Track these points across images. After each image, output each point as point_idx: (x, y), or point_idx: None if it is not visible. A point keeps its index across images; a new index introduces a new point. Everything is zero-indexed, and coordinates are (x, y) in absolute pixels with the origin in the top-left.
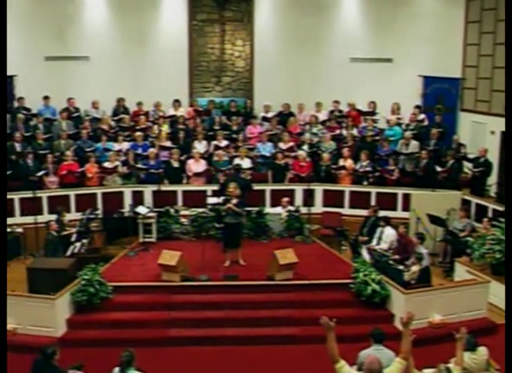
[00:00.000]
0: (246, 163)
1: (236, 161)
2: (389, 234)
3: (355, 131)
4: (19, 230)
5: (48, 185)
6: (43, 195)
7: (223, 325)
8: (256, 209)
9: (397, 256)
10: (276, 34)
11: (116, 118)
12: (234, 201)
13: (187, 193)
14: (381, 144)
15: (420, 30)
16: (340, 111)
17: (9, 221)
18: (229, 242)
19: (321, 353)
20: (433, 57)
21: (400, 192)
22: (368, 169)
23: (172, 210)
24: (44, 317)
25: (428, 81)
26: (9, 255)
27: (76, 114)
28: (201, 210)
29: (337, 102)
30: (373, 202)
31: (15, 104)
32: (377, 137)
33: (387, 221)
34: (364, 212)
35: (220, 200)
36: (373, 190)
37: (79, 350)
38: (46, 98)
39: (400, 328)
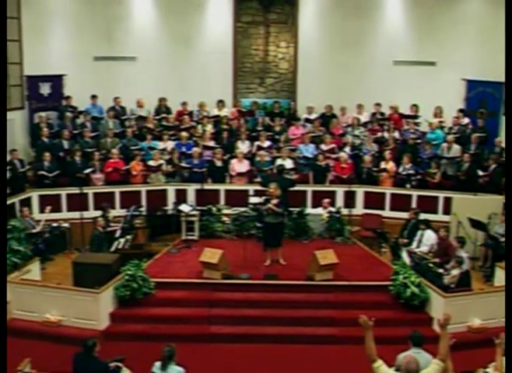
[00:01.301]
0: (288, 164)
1: (279, 161)
2: (429, 237)
3: (396, 134)
4: (66, 225)
5: (94, 182)
6: (90, 191)
7: (263, 324)
8: (297, 209)
9: (437, 260)
10: (320, 36)
11: (158, 117)
12: (275, 201)
13: (229, 192)
14: (423, 148)
15: (464, 33)
16: (382, 114)
17: (56, 216)
18: (269, 242)
19: (359, 353)
20: (477, 61)
21: (441, 195)
22: (410, 171)
23: (214, 209)
24: (88, 310)
25: (471, 84)
26: (55, 249)
27: (122, 114)
28: (243, 209)
29: (379, 104)
30: (413, 205)
31: (64, 103)
32: (419, 141)
33: (428, 224)
34: (405, 215)
35: (261, 199)
36: (414, 193)
37: (121, 344)
38: (93, 97)
39: (438, 331)
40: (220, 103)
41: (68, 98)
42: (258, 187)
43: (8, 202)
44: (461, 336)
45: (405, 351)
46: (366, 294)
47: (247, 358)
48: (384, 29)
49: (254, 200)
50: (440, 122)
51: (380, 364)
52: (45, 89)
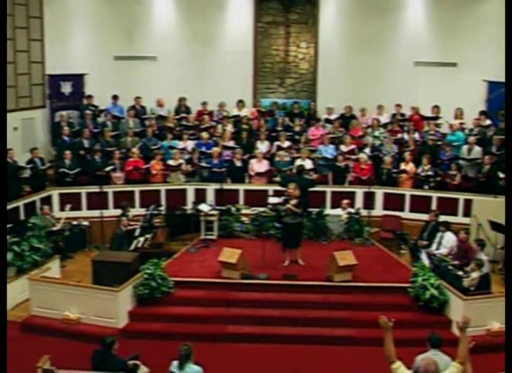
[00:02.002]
0: (307, 164)
1: (298, 162)
2: (449, 239)
3: (416, 135)
4: (85, 223)
5: (114, 180)
6: (110, 190)
7: (281, 324)
8: (316, 210)
9: (456, 262)
10: (340, 37)
11: (177, 117)
12: (293, 202)
13: (248, 192)
14: (443, 149)
15: (485, 34)
16: (402, 115)
17: (76, 214)
18: (287, 242)
19: (377, 354)
20: (498, 62)
21: (461, 197)
22: (430, 173)
23: (233, 209)
24: (107, 308)
25: (492, 86)
26: (75, 247)
27: (142, 113)
28: (262, 209)
29: (399, 105)
30: (433, 206)
31: (84, 102)
32: (439, 142)
33: (448, 226)
34: (424, 216)
35: (281, 200)
36: (434, 195)
37: (140, 342)
38: (115, 97)
39: (457, 334)
40: (240, 103)
41: (89, 97)
42: (277, 187)
43: (29, 200)
44: (480, 340)
45: (423, 353)
46: (385, 296)
47: (264, 358)
48: (404, 30)
49: (273, 200)
50: (461, 124)
51: (398, 365)
52: (66, 88)
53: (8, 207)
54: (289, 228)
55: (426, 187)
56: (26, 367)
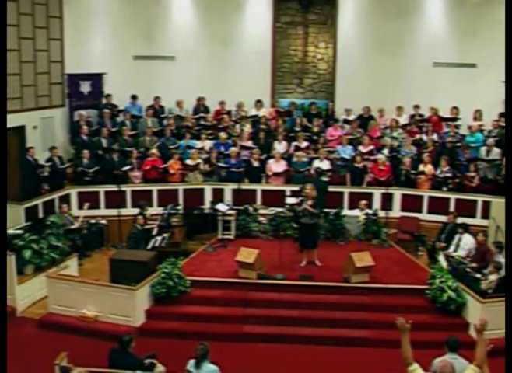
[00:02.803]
0: (325, 165)
1: (316, 162)
2: (467, 241)
3: (435, 136)
4: (103, 222)
5: (132, 179)
6: (128, 189)
7: (297, 324)
8: (334, 211)
9: (474, 264)
10: (359, 37)
11: (196, 116)
12: (310, 202)
13: (266, 192)
14: (462, 151)
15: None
16: (421, 116)
17: (94, 212)
18: (304, 242)
19: (393, 356)
20: None
21: (480, 199)
22: (448, 174)
23: (251, 209)
24: (124, 307)
25: None
26: (93, 245)
27: (161, 112)
28: (279, 209)
29: (418, 106)
30: (451, 208)
31: (103, 101)
32: (458, 144)
33: (466, 228)
34: (442, 218)
35: (298, 200)
36: (453, 196)
37: (156, 341)
38: (133, 97)
39: (475, 337)
40: (258, 103)
41: (108, 96)
42: (295, 188)
43: (48, 198)
44: (498, 343)
45: (440, 356)
46: (402, 298)
47: (279, 358)
48: (423, 31)
49: (290, 200)
50: (480, 125)
51: (415, 367)
52: (85, 87)
53: (28, 205)
54: (306, 229)
55: (445, 189)
56: (44, 364)
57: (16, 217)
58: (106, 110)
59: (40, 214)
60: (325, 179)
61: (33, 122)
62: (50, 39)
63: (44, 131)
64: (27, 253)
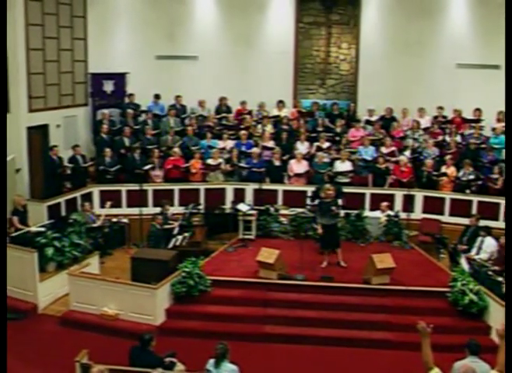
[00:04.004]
0: (346, 166)
1: (337, 163)
2: (490, 244)
3: (458, 138)
4: (125, 220)
5: (154, 179)
6: (149, 188)
7: (317, 325)
8: (355, 212)
9: (497, 268)
10: (382, 38)
11: (218, 116)
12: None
13: (287, 192)
14: (486, 153)
15: None
16: (444, 117)
17: (116, 211)
18: (326, 243)
19: (414, 359)
20: None
21: (503, 202)
22: (471, 177)
23: (272, 209)
24: (145, 305)
25: None
26: (114, 244)
27: (183, 112)
28: (300, 210)
29: (441, 108)
30: (474, 211)
31: (126, 100)
32: (482, 145)
33: (488, 231)
34: (464, 220)
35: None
36: (475, 199)
37: (176, 340)
38: (156, 96)
39: (497, 341)
40: (280, 104)
41: (130, 95)
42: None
43: (70, 196)
44: None
45: (461, 359)
46: (423, 300)
47: (300, 359)
48: (447, 31)
49: (311, 201)
50: (504, 127)
51: (436, 371)
52: (108, 87)
53: (50, 203)
54: (327, 230)
55: (467, 191)
56: (65, 361)
57: (39, 215)
58: (129, 110)
59: (63, 212)
60: (345, 180)
61: (57, 121)
62: (74, 38)
63: (67, 130)
64: (49, 251)
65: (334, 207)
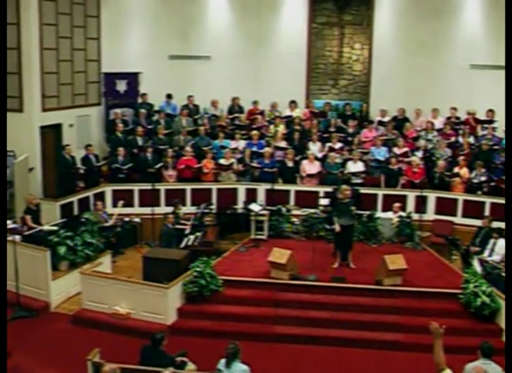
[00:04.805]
0: (358, 166)
1: (349, 164)
2: (502, 246)
3: (471, 139)
4: (137, 220)
5: (166, 178)
6: (162, 188)
7: (328, 326)
8: (367, 213)
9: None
10: (395, 38)
11: (231, 116)
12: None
13: (299, 193)
14: (499, 154)
15: None
16: (457, 118)
17: (128, 210)
18: (341, 244)
19: (425, 361)
20: None
21: None
22: (483, 178)
23: (284, 209)
24: (157, 305)
25: None
26: (126, 243)
27: (195, 112)
28: (312, 210)
29: (454, 108)
30: (487, 212)
31: (139, 100)
32: (496, 147)
33: (501, 233)
34: (477, 222)
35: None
36: (488, 200)
37: (187, 339)
38: (168, 96)
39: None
40: (293, 104)
41: (143, 95)
42: (328, 189)
43: (83, 195)
44: None
45: (473, 362)
46: (435, 302)
47: (310, 360)
48: (461, 32)
49: (324, 201)
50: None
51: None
52: (121, 86)
53: (63, 202)
54: (344, 230)
55: (479, 193)
56: (76, 359)
57: (52, 214)
58: (142, 110)
59: (75, 212)
60: (357, 181)
61: (70, 120)
62: (87, 38)
63: (80, 129)
64: (62, 250)
65: (353, 207)
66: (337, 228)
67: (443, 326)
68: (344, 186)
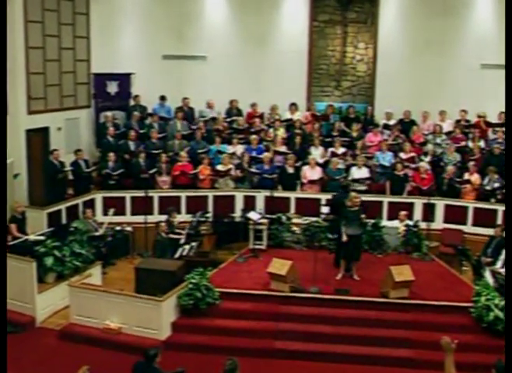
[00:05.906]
0: (363, 172)
1: (353, 169)
2: None
3: (482, 143)
4: (129, 229)
5: (160, 184)
6: (155, 195)
7: (332, 341)
8: (372, 221)
9: None
10: (401, 37)
11: (229, 120)
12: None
13: (300, 200)
14: None
15: None
16: (467, 121)
17: (120, 219)
18: (349, 255)
19: None
20: None
21: None
22: (496, 185)
23: (284, 218)
24: (150, 318)
25: None
26: (117, 253)
27: (191, 115)
28: (314, 219)
29: (464, 111)
30: (499, 221)
31: (131, 102)
32: None
33: None
34: (489, 231)
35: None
36: (500, 208)
37: (183, 355)
38: (162, 98)
39: None
40: (293, 106)
41: (136, 97)
42: (330, 196)
43: (72, 203)
44: None
45: None
46: (444, 316)
47: None
48: (471, 30)
49: (326, 209)
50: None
51: None
52: (112, 88)
53: (50, 210)
54: (352, 240)
55: (493, 200)
56: None
57: (38, 223)
58: (135, 113)
59: (64, 220)
60: (362, 188)
61: (58, 123)
62: (76, 36)
63: (69, 133)
64: (49, 261)
65: (362, 216)
66: (344, 237)
67: (455, 341)
68: (353, 194)
